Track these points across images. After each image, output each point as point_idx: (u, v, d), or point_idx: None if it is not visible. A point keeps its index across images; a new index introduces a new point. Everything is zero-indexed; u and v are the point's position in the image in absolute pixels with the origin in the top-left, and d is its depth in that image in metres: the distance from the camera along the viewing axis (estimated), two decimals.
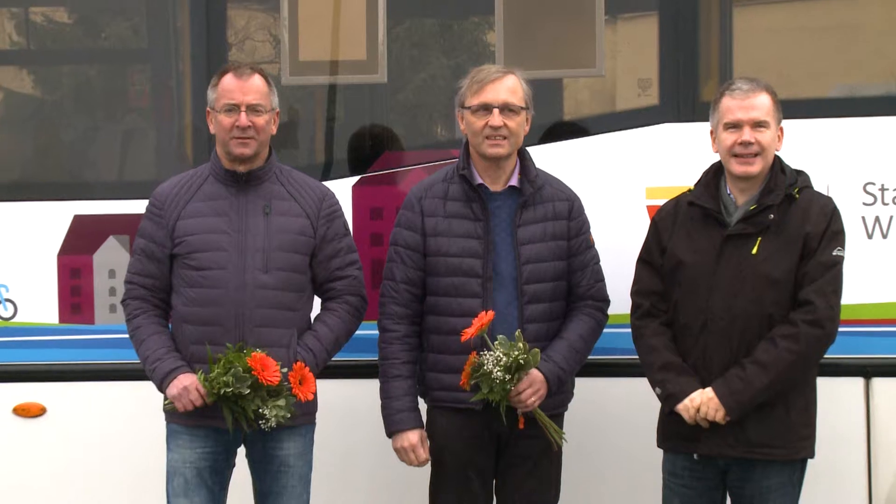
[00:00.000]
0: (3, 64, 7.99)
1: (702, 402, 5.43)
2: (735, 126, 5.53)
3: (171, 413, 5.78)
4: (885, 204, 6.29)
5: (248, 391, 5.49)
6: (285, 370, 5.59)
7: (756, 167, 5.53)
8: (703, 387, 5.48)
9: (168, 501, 5.90)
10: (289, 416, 5.59)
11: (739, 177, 5.58)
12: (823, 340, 5.50)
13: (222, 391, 5.48)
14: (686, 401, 5.46)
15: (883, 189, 6.28)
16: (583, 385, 5.97)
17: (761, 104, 5.54)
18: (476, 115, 5.69)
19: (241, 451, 5.99)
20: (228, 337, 5.66)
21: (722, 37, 6.50)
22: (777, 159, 5.60)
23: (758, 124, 5.51)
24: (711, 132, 5.70)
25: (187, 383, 5.59)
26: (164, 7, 7.09)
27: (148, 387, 5.87)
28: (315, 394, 5.72)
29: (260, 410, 5.52)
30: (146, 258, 5.86)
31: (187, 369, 5.66)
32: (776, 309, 5.47)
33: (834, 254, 5.50)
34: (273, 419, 5.52)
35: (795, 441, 5.54)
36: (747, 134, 5.49)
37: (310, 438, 5.93)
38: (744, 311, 5.49)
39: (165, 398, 5.74)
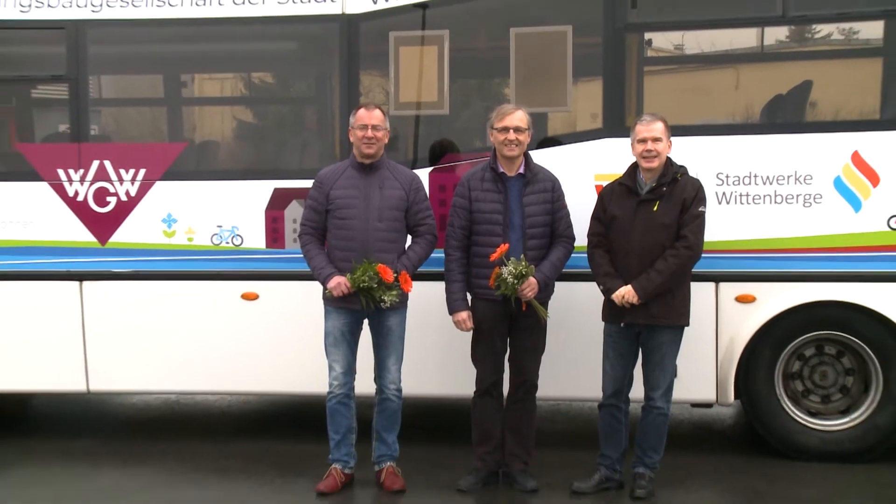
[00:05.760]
0: (238, 104, 8.10)
1: (625, 292, 5.67)
2: (642, 140, 5.72)
3: (328, 299, 5.98)
4: (725, 187, 6.37)
5: (376, 285, 5.77)
6: (396, 274, 5.85)
7: (655, 164, 5.72)
8: (626, 284, 5.70)
9: (326, 350, 6.09)
10: (398, 300, 5.87)
11: (646, 169, 5.76)
12: (693, 258, 5.72)
13: (362, 284, 5.76)
14: (617, 292, 5.70)
15: (727, 175, 6.38)
16: (560, 286, 6.06)
17: (657, 128, 5.72)
18: (500, 133, 5.86)
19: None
20: (358, 258, 5.84)
21: (638, 90, 6.56)
22: (668, 158, 5.77)
23: (655, 139, 5.69)
24: (631, 144, 5.80)
25: (340, 280, 5.85)
26: (325, 73, 7.28)
27: (314, 285, 6.05)
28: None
29: (381, 296, 5.79)
30: (313, 211, 6.04)
31: (339, 273, 5.88)
32: (667, 241, 5.67)
33: (699, 209, 5.71)
34: (388, 301, 5.80)
35: (678, 315, 5.77)
36: (649, 145, 5.70)
37: (404, 315, 6.08)
38: (649, 243, 5.69)
39: (325, 289, 5.95)
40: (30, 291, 7.19)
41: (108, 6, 7.07)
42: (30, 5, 7.12)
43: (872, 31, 6.93)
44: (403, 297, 6.01)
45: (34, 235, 7.16)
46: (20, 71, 7.57)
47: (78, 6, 7.08)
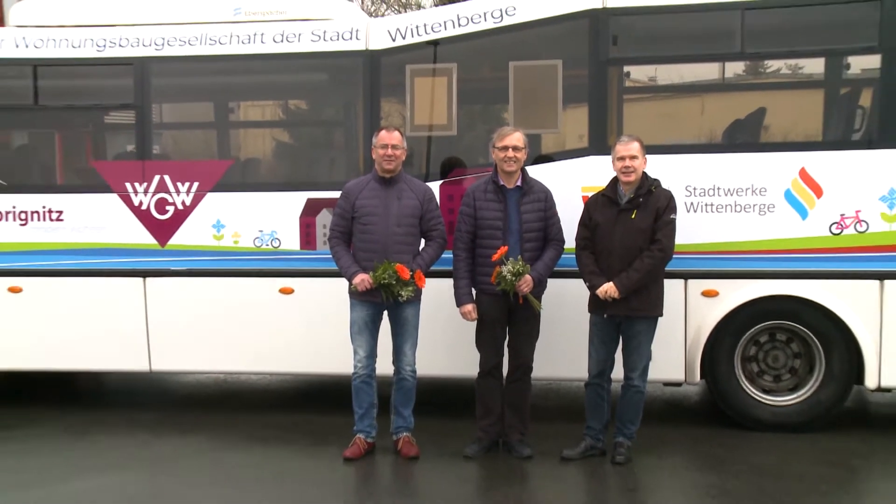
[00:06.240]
0: (276, 127, 8.09)
1: (608, 288, 5.57)
2: (621, 158, 5.62)
3: (353, 293, 5.87)
4: (693, 197, 6.24)
5: (395, 282, 5.71)
6: (411, 273, 5.77)
7: (632, 178, 5.61)
8: (609, 281, 5.59)
9: (351, 336, 5.98)
10: (413, 295, 5.80)
11: (625, 183, 5.64)
12: (666, 258, 5.64)
13: (382, 281, 5.70)
14: (601, 288, 5.60)
15: (694, 188, 6.24)
16: (552, 282, 5.94)
17: (634, 147, 5.61)
18: (500, 151, 5.74)
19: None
20: (379, 258, 5.75)
21: (618, 114, 6.43)
22: (644, 173, 5.66)
23: (633, 157, 5.59)
24: (612, 161, 5.69)
25: (364, 277, 5.76)
26: (351, 100, 7.07)
27: (341, 281, 5.97)
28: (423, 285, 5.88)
29: (399, 291, 5.74)
30: (340, 218, 5.93)
31: (362, 271, 5.78)
32: (643, 244, 5.57)
33: (671, 217, 5.61)
34: (405, 295, 5.75)
35: (653, 307, 5.67)
36: (627, 162, 5.59)
37: (418, 307, 5.96)
38: (628, 246, 5.59)
39: (351, 285, 5.86)
40: (102, 286, 7.11)
41: (169, 45, 7.00)
42: (104, 45, 7.06)
43: (815, 66, 6.91)
44: (418, 292, 5.90)
45: (106, 239, 7.08)
46: (96, 100, 7.53)
47: (143, 45, 7.02)
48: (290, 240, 6.82)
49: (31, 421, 7.09)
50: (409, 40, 6.66)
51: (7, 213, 7.15)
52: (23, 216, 7.14)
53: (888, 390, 6.48)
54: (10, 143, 8.34)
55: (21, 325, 7.20)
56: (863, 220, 6.11)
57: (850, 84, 6.72)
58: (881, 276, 6.12)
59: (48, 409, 7.46)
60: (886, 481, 5.67)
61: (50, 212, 7.11)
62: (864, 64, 6.49)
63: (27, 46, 7.14)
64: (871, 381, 6.21)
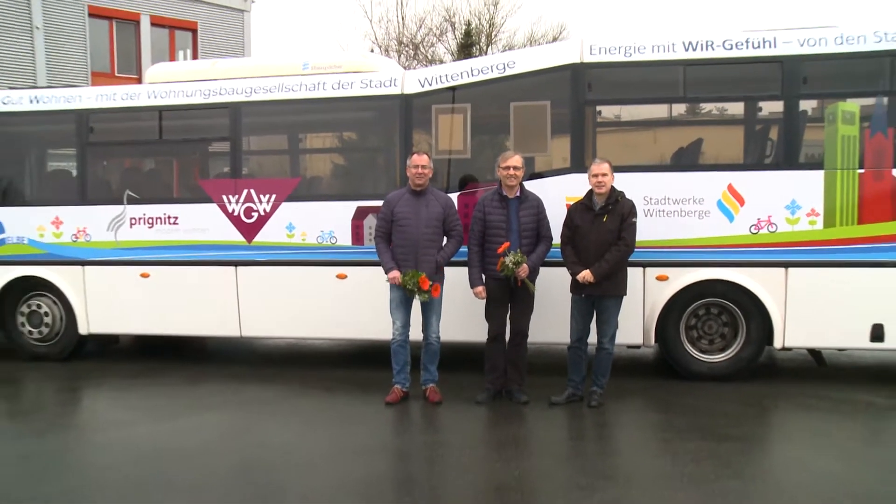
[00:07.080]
0: (334, 153, 7.96)
1: (585, 274, 5.53)
2: (595, 175, 5.58)
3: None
4: (649, 205, 6.21)
5: (416, 290, 5.70)
6: (430, 285, 5.73)
7: (604, 190, 5.58)
8: (586, 269, 5.52)
9: (390, 311, 5.94)
10: (427, 300, 5.75)
11: (598, 194, 5.59)
12: (629, 252, 5.59)
13: (407, 286, 5.72)
14: (579, 274, 5.56)
15: (650, 198, 6.20)
16: (543, 270, 5.86)
17: (605, 167, 5.58)
18: (503, 170, 5.71)
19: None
20: (411, 253, 5.73)
21: (593, 144, 6.40)
22: (612, 186, 5.60)
23: (604, 174, 5.55)
24: (588, 177, 5.64)
25: (396, 275, 5.77)
26: (390, 131, 6.99)
27: (380, 271, 5.91)
28: (441, 291, 5.80)
29: (418, 296, 5.72)
30: (382, 221, 5.88)
31: (397, 268, 5.77)
32: (612, 241, 5.54)
33: (633, 220, 5.60)
34: (422, 300, 5.74)
35: (619, 288, 5.67)
36: (600, 178, 5.55)
37: (440, 296, 5.85)
38: (601, 242, 5.56)
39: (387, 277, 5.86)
40: (206, 273, 7.17)
41: (255, 93, 7.05)
42: (209, 94, 7.12)
43: (737, 108, 6.88)
44: (439, 281, 5.84)
45: (208, 237, 7.13)
46: (202, 134, 7.59)
47: (237, 93, 7.09)
48: (344, 237, 6.80)
49: (155, 372, 7.20)
50: (435, 86, 6.66)
51: (139, 218, 7.25)
52: (150, 221, 7.22)
53: (790, 349, 6.58)
54: (143, 167, 8.48)
55: (149, 302, 7.30)
56: (773, 223, 6.12)
57: (763, 122, 6.69)
58: (786, 265, 6.15)
59: (167, 364, 7.55)
60: (787, 414, 5.76)
61: (169, 217, 7.18)
62: (771, 107, 6.50)
63: (156, 97, 7.25)
64: (778, 343, 6.26)
